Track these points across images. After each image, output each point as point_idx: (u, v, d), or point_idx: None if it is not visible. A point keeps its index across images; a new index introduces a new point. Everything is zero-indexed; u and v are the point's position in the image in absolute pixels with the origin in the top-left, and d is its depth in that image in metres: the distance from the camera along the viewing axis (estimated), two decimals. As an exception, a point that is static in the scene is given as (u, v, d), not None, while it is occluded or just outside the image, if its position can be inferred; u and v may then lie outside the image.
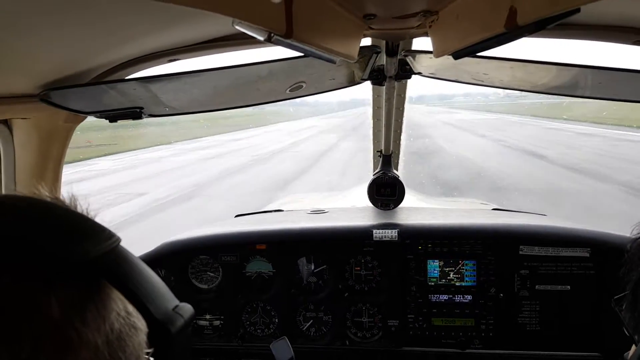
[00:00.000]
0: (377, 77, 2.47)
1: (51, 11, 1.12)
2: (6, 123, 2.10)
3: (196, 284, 2.98)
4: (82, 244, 0.67)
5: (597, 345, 2.73)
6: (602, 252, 2.69)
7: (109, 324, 0.67)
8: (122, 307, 0.70)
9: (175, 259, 2.96)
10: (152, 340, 0.72)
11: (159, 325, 0.70)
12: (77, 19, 1.22)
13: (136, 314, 0.71)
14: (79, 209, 0.75)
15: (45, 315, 0.60)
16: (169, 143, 38.20)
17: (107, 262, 0.68)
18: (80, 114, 2.10)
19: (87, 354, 0.63)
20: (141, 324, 0.72)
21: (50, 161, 2.22)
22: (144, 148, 35.89)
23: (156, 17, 1.40)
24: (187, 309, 0.76)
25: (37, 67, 1.60)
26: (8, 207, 0.69)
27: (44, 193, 0.75)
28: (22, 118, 2.06)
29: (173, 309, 0.74)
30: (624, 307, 1.51)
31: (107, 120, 2.08)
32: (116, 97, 1.91)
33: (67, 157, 2.31)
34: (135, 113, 2.04)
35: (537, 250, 2.74)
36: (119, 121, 2.10)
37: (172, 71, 1.78)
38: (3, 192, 2.16)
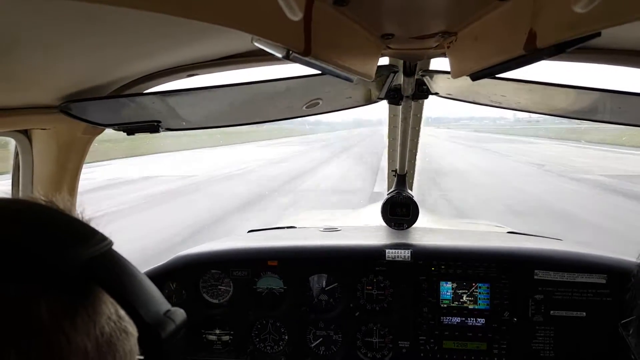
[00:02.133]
0: (394, 97, 2.47)
1: (73, 26, 1.14)
2: (26, 133, 2.13)
3: (207, 298, 2.97)
4: (73, 247, 0.67)
5: None
6: (620, 278, 2.63)
7: (99, 328, 0.66)
8: (113, 311, 0.70)
9: (187, 273, 2.96)
10: (142, 344, 0.71)
11: (149, 330, 0.69)
12: (99, 33, 1.24)
13: (128, 319, 0.70)
14: (74, 213, 0.75)
15: (33, 319, 0.59)
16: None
17: (98, 266, 0.67)
18: (99, 126, 2.13)
19: (76, 359, 0.62)
20: (133, 328, 0.71)
21: (68, 172, 2.24)
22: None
23: (176, 32, 1.41)
24: (179, 313, 0.74)
25: (58, 79, 1.62)
26: None
27: (39, 197, 0.75)
28: (41, 129, 2.10)
29: (164, 314, 0.72)
30: (630, 332, 1.48)
31: (125, 133, 2.11)
32: (134, 110, 1.93)
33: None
34: (152, 126, 2.06)
35: (552, 275, 2.70)
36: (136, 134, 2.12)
37: (191, 86, 1.80)
38: None
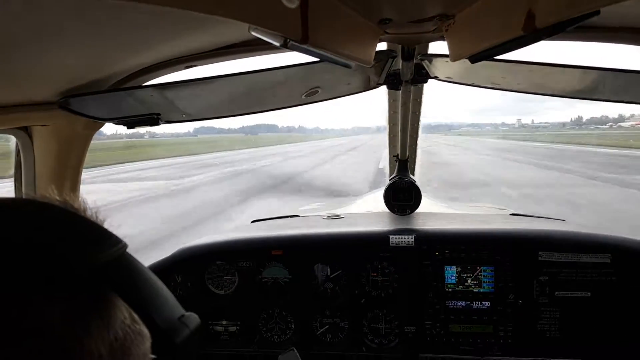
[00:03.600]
0: (393, 82, 2.46)
1: (70, 20, 1.13)
2: (26, 130, 2.13)
3: (213, 289, 2.98)
4: (87, 250, 0.66)
5: (618, 353, 2.67)
6: (624, 258, 2.64)
7: (113, 333, 0.65)
8: (127, 315, 0.69)
9: (192, 265, 2.97)
10: (156, 350, 0.70)
11: (163, 335, 0.68)
12: (95, 27, 1.24)
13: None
14: (88, 214, 0.74)
15: (44, 323, 0.58)
16: None
17: (112, 270, 0.66)
18: (99, 121, 2.13)
19: None
20: (147, 331, 0.70)
21: (70, 167, 2.25)
22: None
23: (173, 24, 1.41)
24: (193, 318, 0.74)
25: (56, 74, 1.62)
26: (12, 209, 0.68)
27: (54, 197, 0.73)
28: (41, 125, 2.09)
29: (178, 319, 0.71)
30: None
31: (125, 127, 2.11)
32: (134, 104, 1.93)
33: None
34: (152, 119, 2.06)
35: (556, 256, 2.70)
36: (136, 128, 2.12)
37: (189, 77, 1.80)
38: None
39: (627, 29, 1.74)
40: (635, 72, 1.76)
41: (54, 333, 0.59)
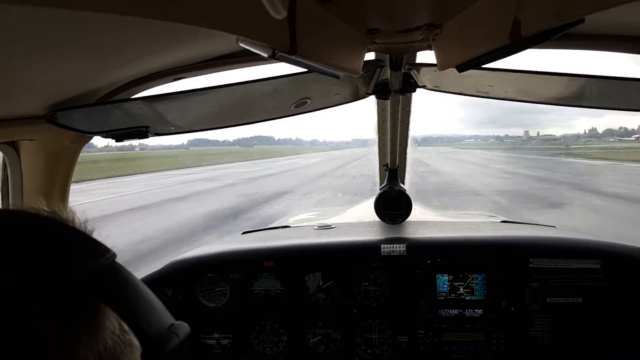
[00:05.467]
0: (382, 91, 2.46)
1: (56, 33, 1.13)
2: (13, 145, 2.11)
3: (204, 302, 2.95)
4: (76, 260, 0.66)
5: (610, 359, 2.68)
6: (613, 263, 2.65)
7: (102, 343, 0.65)
8: (117, 325, 0.69)
9: (183, 278, 2.94)
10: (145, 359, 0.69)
11: (152, 345, 0.67)
12: (82, 39, 1.23)
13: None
14: (76, 224, 0.74)
15: (34, 334, 0.58)
16: None
17: (101, 279, 0.66)
18: (87, 134, 2.11)
19: None
20: (137, 341, 0.70)
21: (58, 181, 2.23)
22: None
23: (161, 36, 1.40)
24: (182, 327, 0.73)
25: (43, 88, 1.60)
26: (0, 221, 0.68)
27: (42, 207, 0.73)
28: (28, 139, 2.07)
29: (168, 328, 0.71)
30: None
31: (114, 140, 2.10)
32: (122, 117, 1.92)
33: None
34: (141, 132, 2.05)
35: (547, 263, 2.71)
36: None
37: (177, 90, 1.79)
38: None
39: (612, 36, 1.77)
40: (620, 79, 1.78)
41: (42, 342, 0.58)
